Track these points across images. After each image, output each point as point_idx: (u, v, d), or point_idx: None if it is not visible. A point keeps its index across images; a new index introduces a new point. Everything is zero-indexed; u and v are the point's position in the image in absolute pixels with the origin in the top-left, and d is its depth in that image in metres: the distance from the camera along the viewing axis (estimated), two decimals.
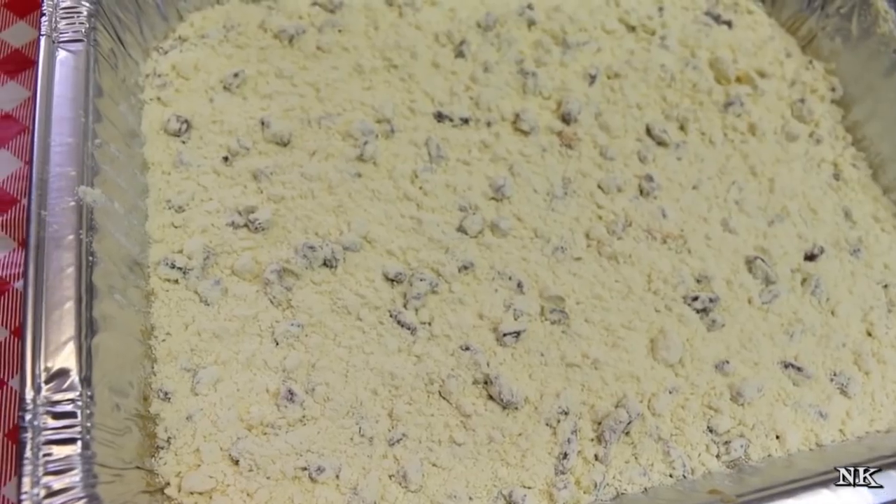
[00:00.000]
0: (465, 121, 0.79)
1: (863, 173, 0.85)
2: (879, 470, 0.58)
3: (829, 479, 0.59)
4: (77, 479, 0.50)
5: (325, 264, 0.68)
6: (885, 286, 0.78)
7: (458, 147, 0.78)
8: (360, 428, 0.61)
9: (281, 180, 0.72)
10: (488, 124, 0.79)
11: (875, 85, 0.86)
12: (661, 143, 0.82)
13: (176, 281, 0.65)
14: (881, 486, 0.57)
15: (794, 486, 0.58)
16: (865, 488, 0.58)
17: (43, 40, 0.68)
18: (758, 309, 0.73)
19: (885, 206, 0.84)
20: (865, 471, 0.58)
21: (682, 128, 0.84)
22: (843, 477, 0.57)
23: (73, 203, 0.60)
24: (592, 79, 0.85)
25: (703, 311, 0.72)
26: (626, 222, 0.75)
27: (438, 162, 0.76)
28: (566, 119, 0.81)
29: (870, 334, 0.75)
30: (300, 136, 0.76)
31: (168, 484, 0.56)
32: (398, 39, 0.83)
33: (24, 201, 0.73)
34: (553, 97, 0.83)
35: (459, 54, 0.84)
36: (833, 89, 0.89)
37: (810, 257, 0.77)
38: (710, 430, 0.66)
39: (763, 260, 0.75)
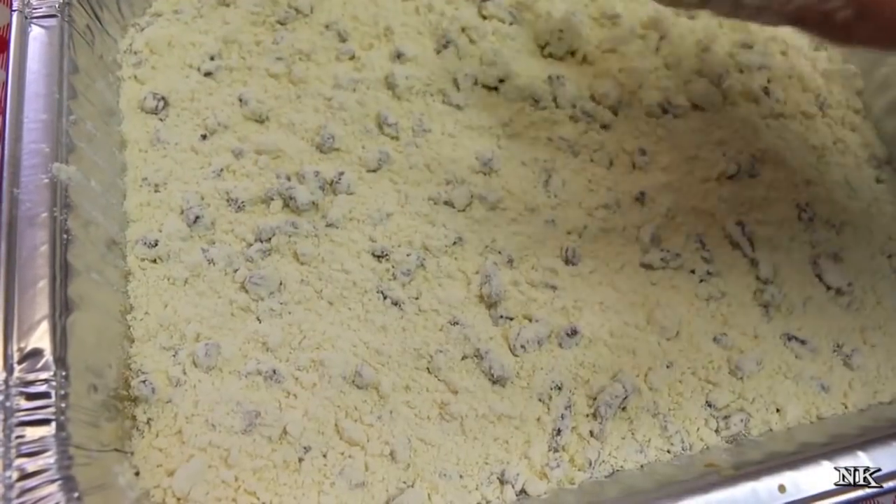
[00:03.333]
0: None
1: (864, 138, 0.83)
2: (879, 470, 0.56)
3: (830, 451, 0.57)
4: (51, 461, 0.49)
5: (309, 240, 0.66)
6: (889, 256, 0.76)
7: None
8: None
9: (259, 157, 0.70)
10: None
11: (874, 51, 0.83)
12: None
13: (154, 260, 0.64)
14: (881, 487, 0.56)
15: (794, 458, 0.57)
16: (868, 459, 0.57)
17: (15, 16, 0.66)
18: (756, 280, 0.71)
19: (889, 175, 0.81)
20: (866, 470, 0.56)
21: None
22: (843, 477, 0.56)
23: (46, 180, 0.58)
24: None
25: (702, 283, 0.70)
26: (619, 195, 0.73)
27: (422, 135, 0.74)
28: None
29: (878, 304, 0.73)
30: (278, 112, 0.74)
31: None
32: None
33: None
34: None
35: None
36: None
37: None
38: (709, 405, 0.64)
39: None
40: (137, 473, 0.55)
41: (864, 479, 0.56)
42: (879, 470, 0.56)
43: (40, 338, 0.52)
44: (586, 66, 0.82)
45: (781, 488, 0.55)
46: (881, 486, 0.56)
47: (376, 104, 0.75)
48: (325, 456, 0.57)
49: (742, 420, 0.64)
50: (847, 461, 0.56)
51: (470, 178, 0.72)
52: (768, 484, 0.55)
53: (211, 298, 0.62)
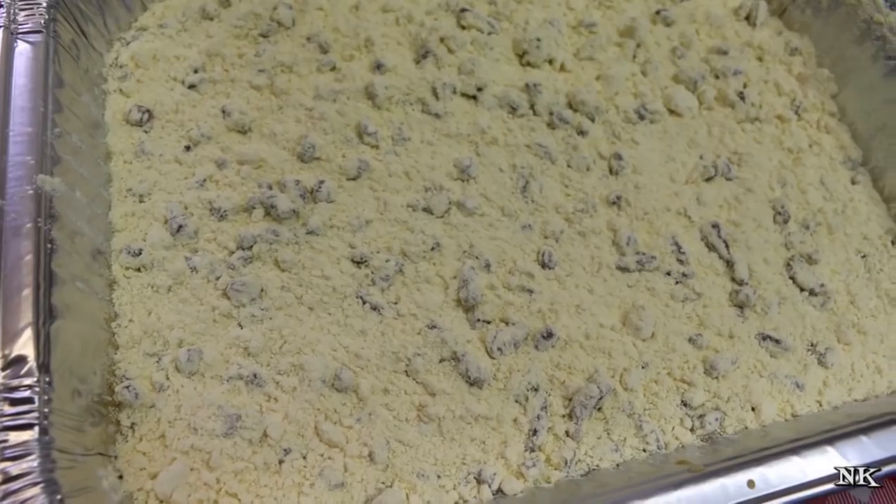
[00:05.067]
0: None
1: (839, 140, 0.85)
2: (879, 470, 0.57)
3: (799, 447, 0.58)
4: (35, 464, 0.50)
5: (289, 248, 0.67)
6: (864, 256, 0.78)
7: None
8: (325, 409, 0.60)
9: (241, 167, 0.72)
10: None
11: (847, 55, 0.85)
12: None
13: (138, 269, 0.65)
14: (880, 486, 0.57)
15: (764, 454, 0.58)
16: (836, 454, 0.58)
17: (1, 32, 0.68)
18: (731, 281, 0.73)
19: (863, 177, 0.83)
20: (865, 470, 0.57)
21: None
22: (843, 477, 0.57)
23: (31, 191, 0.60)
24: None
25: (677, 284, 0.71)
26: (595, 200, 0.75)
27: (402, 144, 0.75)
28: None
29: (851, 304, 0.74)
30: (260, 123, 0.76)
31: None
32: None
33: None
34: None
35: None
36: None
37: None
38: (684, 404, 0.66)
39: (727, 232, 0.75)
40: (121, 477, 0.56)
41: (864, 478, 0.57)
42: (879, 470, 0.57)
43: (24, 344, 0.53)
44: (564, 73, 0.84)
45: (751, 483, 0.56)
46: (876, 485, 0.57)
47: (356, 114, 0.76)
48: (304, 458, 0.58)
49: (717, 419, 0.65)
50: (816, 456, 0.58)
51: (448, 185, 0.73)
52: (738, 479, 0.56)
53: (194, 305, 0.64)
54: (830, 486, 0.57)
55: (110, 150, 0.72)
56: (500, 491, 0.59)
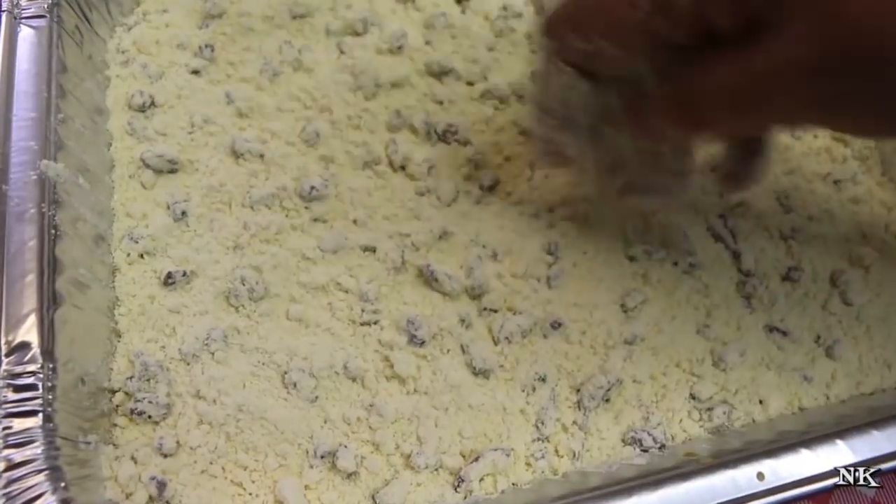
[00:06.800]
0: None
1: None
2: (879, 470, 0.57)
3: (808, 439, 0.58)
4: (39, 451, 0.49)
5: (295, 235, 0.67)
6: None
7: None
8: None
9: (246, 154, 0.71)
10: None
11: None
12: None
13: (140, 255, 0.64)
14: (881, 486, 0.56)
15: (773, 446, 0.57)
16: (846, 447, 0.57)
17: (4, 16, 0.68)
18: (739, 272, 0.72)
19: (870, 167, 0.82)
20: (865, 470, 0.57)
21: None
22: (843, 477, 0.56)
23: (35, 177, 0.60)
24: None
25: (684, 274, 0.71)
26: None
27: None
28: None
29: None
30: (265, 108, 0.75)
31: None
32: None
33: None
34: None
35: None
36: None
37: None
38: (693, 397, 0.65)
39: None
40: (125, 464, 0.55)
41: (865, 478, 0.56)
42: (879, 470, 0.57)
43: (28, 331, 0.53)
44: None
45: (760, 476, 0.55)
46: (877, 484, 0.56)
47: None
48: (314, 448, 0.58)
49: (725, 412, 0.64)
50: (825, 449, 0.57)
51: (455, 174, 0.72)
52: (747, 472, 0.55)
53: (197, 293, 0.63)
54: (839, 479, 0.56)
55: (113, 135, 0.71)
56: None
